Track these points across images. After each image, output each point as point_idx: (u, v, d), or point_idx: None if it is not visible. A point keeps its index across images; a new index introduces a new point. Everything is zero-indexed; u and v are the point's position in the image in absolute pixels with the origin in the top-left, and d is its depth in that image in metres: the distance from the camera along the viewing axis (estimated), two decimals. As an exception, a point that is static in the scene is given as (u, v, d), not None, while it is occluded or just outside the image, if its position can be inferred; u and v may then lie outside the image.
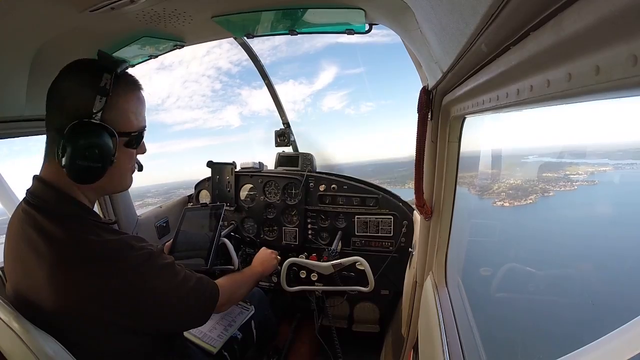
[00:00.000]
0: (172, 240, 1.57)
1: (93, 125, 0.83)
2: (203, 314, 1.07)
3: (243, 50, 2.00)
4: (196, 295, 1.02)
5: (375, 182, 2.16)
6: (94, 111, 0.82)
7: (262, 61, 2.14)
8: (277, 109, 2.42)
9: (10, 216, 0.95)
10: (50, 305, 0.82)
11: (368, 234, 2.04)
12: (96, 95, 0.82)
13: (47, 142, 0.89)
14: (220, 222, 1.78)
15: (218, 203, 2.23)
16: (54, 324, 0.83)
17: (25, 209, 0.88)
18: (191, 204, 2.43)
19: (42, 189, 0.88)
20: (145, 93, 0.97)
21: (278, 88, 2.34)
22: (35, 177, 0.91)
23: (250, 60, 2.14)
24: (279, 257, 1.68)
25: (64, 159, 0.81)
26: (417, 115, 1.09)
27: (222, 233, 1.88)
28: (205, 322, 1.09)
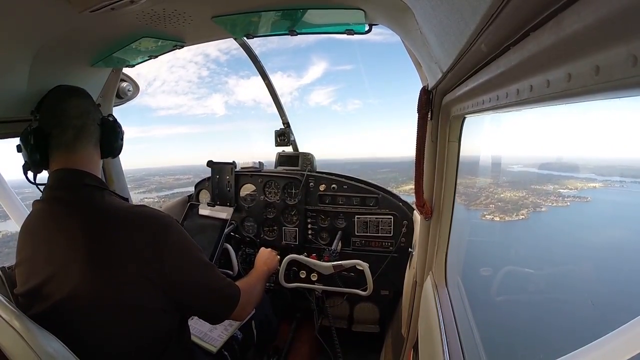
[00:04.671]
0: None
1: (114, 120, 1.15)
2: (223, 307, 1.10)
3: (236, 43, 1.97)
4: (222, 283, 1.09)
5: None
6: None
7: (254, 50, 2.09)
8: (277, 109, 2.42)
9: (11, 216, 0.97)
10: (82, 279, 0.87)
11: (368, 234, 2.04)
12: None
13: (68, 139, 1.01)
14: (226, 229, 1.79)
15: (219, 204, 2.23)
16: (72, 308, 0.87)
17: (52, 196, 0.98)
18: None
19: (68, 174, 1.00)
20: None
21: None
22: (54, 170, 1.01)
23: (247, 57, 2.12)
24: (278, 256, 1.69)
25: (105, 142, 1.10)
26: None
27: (224, 232, 1.89)
28: (222, 321, 1.14)
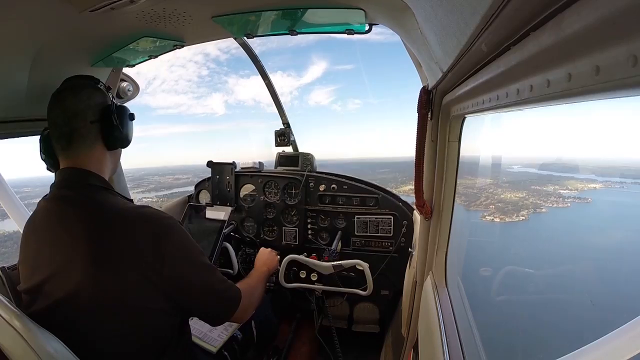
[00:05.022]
0: None
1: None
2: (224, 309, 1.10)
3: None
4: (223, 286, 1.09)
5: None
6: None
7: (254, 50, 2.08)
8: (277, 109, 2.42)
9: (11, 216, 0.97)
10: (83, 278, 0.87)
11: (368, 234, 2.04)
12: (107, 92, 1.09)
13: (62, 145, 1.00)
14: (224, 228, 1.79)
15: (218, 204, 2.23)
16: (73, 307, 0.87)
17: (57, 194, 0.98)
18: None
19: (72, 173, 1.00)
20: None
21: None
22: (60, 169, 1.01)
23: (247, 56, 2.12)
24: (278, 256, 1.69)
25: (107, 136, 1.04)
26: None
27: (223, 232, 1.89)
28: (223, 322, 1.13)
